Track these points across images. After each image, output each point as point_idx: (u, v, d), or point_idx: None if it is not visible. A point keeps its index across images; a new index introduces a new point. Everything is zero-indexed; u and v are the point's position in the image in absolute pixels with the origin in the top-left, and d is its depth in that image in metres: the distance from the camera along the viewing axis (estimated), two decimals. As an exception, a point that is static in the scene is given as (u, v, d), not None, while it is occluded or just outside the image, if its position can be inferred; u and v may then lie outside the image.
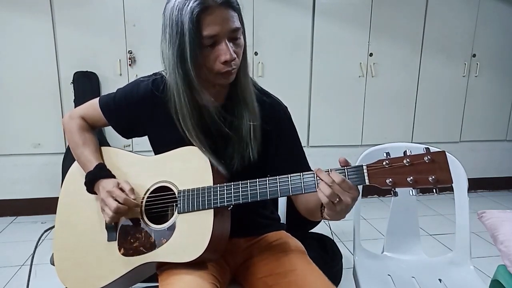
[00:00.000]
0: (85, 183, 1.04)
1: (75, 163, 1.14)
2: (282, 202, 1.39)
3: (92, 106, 1.13)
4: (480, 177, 3.55)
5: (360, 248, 1.44)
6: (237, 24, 0.91)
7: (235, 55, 0.91)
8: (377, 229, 2.72)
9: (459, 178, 1.36)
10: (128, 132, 1.13)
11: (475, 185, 3.55)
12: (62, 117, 2.84)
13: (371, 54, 3.14)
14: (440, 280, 1.31)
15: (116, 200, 0.96)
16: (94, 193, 1.04)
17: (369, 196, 3.36)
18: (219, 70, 0.93)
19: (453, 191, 1.38)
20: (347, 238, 2.55)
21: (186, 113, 0.97)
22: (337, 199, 0.82)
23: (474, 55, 3.28)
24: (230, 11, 0.90)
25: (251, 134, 1.01)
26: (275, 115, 1.06)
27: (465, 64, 3.29)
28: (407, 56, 3.21)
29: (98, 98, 1.13)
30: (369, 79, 3.19)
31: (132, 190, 0.99)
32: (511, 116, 3.49)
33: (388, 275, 1.35)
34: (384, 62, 3.18)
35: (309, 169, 0.96)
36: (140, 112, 1.07)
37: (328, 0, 3.01)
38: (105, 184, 1.00)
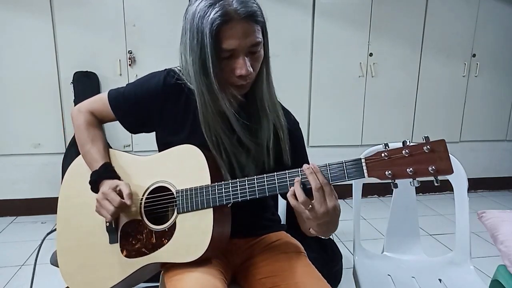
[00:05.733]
0: (90, 182, 1.03)
1: (72, 165, 1.12)
2: (282, 203, 1.39)
3: (101, 100, 1.10)
4: (480, 177, 3.55)
5: (360, 248, 1.44)
6: (258, 38, 0.89)
7: (251, 70, 0.90)
8: (377, 229, 2.72)
9: (459, 178, 1.36)
10: (135, 127, 1.11)
11: (475, 185, 3.55)
12: (62, 118, 2.86)
13: (371, 54, 3.14)
14: (440, 280, 1.31)
15: (111, 204, 0.95)
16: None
17: (369, 196, 3.36)
18: (233, 82, 0.92)
19: (453, 191, 1.38)
20: (347, 238, 2.55)
21: (212, 120, 0.96)
22: (309, 205, 0.83)
23: (474, 55, 3.28)
24: (253, 24, 0.88)
25: (269, 145, 1.00)
26: (290, 130, 1.06)
27: (465, 64, 3.29)
28: (407, 56, 3.21)
29: (107, 92, 1.10)
30: (369, 79, 3.19)
31: (130, 195, 0.97)
32: (511, 116, 3.50)
33: (388, 275, 1.35)
34: (384, 62, 3.18)
35: None
36: (150, 108, 1.05)
37: (328, 0, 3.01)
38: (104, 185, 0.99)
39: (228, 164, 0.99)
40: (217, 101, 0.94)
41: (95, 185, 1.03)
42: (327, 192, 0.82)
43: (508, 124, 3.51)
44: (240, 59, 0.89)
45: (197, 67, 0.89)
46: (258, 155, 1.00)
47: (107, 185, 0.99)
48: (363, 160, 0.82)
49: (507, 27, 3.29)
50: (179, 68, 1.04)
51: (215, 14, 0.84)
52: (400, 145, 0.80)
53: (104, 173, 1.02)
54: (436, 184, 0.77)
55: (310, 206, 0.83)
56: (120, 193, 0.97)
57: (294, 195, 0.84)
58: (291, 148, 1.05)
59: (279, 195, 1.25)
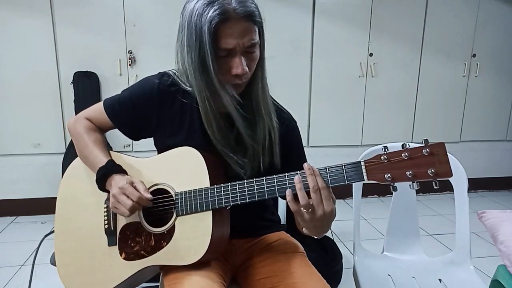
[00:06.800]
0: (97, 180, 1.01)
1: (71, 166, 1.11)
2: (282, 203, 1.39)
3: (97, 110, 1.10)
4: (480, 177, 3.55)
5: (360, 248, 1.44)
6: (255, 38, 0.89)
7: (247, 69, 0.90)
8: (377, 229, 2.72)
9: (459, 178, 1.36)
10: (135, 133, 1.10)
11: (475, 185, 3.55)
12: (62, 117, 2.86)
13: (371, 54, 3.14)
14: (440, 280, 1.31)
15: (129, 198, 0.93)
16: (106, 190, 1.01)
17: (369, 196, 3.36)
18: (229, 81, 0.92)
19: (453, 191, 1.38)
20: (347, 238, 2.55)
21: (213, 118, 0.95)
22: (310, 209, 0.83)
23: (474, 55, 3.28)
24: (251, 24, 0.88)
25: (265, 144, 1.00)
26: (287, 128, 1.06)
27: (465, 64, 3.29)
28: (407, 56, 3.21)
29: (102, 101, 1.10)
30: (369, 79, 3.19)
31: (147, 190, 0.96)
32: (511, 116, 3.50)
33: (388, 275, 1.35)
34: (384, 62, 3.18)
35: None
36: (147, 112, 1.04)
37: (328, 0, 3.01)
38: (118, 180, 0.96)
39: (225, 163, 0.98)
40: (217, 98, 0.94)
41: (103, 180, 1.00)
42: (325, 196, 0.83)
43: (508, 124, 3.51)
44: (236, 58, 0.89)
45: (196, 65, 0.89)
46: (255, 154, 1.00)
47: (122, 180, 0.96)
48: (362, 163, 0.81)
49: (507, 27, 3.29)
50: (173, 71, 1.04)
51: (213, 12, 0.84)
52: (399, 147, 0.80)
53: (112, 167, 1.00)
54: (435, 187, 0.77)
55: (310, 209, 0.83)
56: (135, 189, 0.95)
57: (294, 199, 0.84)
58: (288, 148, 1.06)
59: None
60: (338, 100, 3.20)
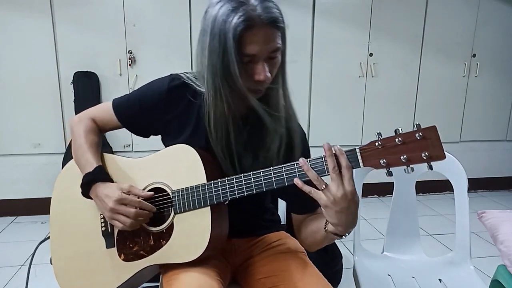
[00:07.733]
0: (82, 185, 1.01)
1: (63, 170, 1.11)
2: (282, 203, 1.39)
3: (105, 109, 1.10)
4: (480, 177, 3.55)
5: (360, 248, 1.44)
6: (278, 44, 0.89)
7: (269, 75, 0.90)
8: (377, 229, 2.72)
9: (459, 178, 1.36)
10: (143, 133, 1.11)
11: (475, 185, 3.55)
12: (62, 117, 2.86)
13: (371, 54, 3.14)
14: (440, 280, 1.31)
15: (130, 206, 0.93)
16: (89, 197, 1.01)
17: (369, 196, 3.36)
18: (249, 87, 0.91)
19: (453, 191, 1.38)
20: (347, 238, 2.54)
21: (223, 123, 0.95)
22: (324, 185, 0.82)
23: (474, 55, 3.28)
24: (274, 30, 0.87)
25: (281, 152, 0.98)
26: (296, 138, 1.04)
27: (465, 64, 3.29)
28: (407, 56, 3.21)
29: (112, 101, 1.10)
30: (369, 79, 3.19)
31: (147, 195, 0.96)
32: (511, 116, 3.50)
33: (388, 275, 1.35)
34: (384, 62, 3.18)
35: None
36: (155, 113, 1.04)
37: (328, 0, 3.01)
38: (108, 191, 0.96)
39: (232, 167, 0.97)
40: (237, 102, 0.93)
41: (87, 188, 1.00)
42: (347, 177, 0.80)
43: (508, 124, 3.51)
44: (259, 64, 0.88)
45: (218, 70, 0.88)
46: (266, 162, 0.97)
47: (114, 191, 0.95)
48: (357, 150, 0.82)
49: (507, 27, 3.29)
50: (185, 74, 1.03)
51: (238, 19, 0.83)
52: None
53: (98, 175, 1.00)
54: (428, 170, 0.78)
55: (324, 186, 0.81)
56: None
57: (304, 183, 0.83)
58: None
59: (278, 198, 1.24)
60: (338, 100, 3.20)
